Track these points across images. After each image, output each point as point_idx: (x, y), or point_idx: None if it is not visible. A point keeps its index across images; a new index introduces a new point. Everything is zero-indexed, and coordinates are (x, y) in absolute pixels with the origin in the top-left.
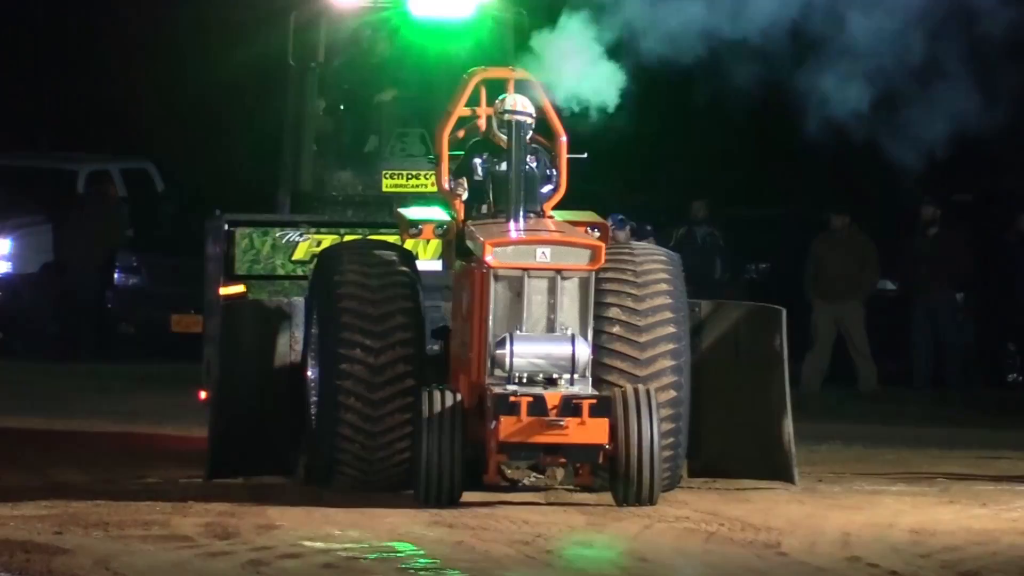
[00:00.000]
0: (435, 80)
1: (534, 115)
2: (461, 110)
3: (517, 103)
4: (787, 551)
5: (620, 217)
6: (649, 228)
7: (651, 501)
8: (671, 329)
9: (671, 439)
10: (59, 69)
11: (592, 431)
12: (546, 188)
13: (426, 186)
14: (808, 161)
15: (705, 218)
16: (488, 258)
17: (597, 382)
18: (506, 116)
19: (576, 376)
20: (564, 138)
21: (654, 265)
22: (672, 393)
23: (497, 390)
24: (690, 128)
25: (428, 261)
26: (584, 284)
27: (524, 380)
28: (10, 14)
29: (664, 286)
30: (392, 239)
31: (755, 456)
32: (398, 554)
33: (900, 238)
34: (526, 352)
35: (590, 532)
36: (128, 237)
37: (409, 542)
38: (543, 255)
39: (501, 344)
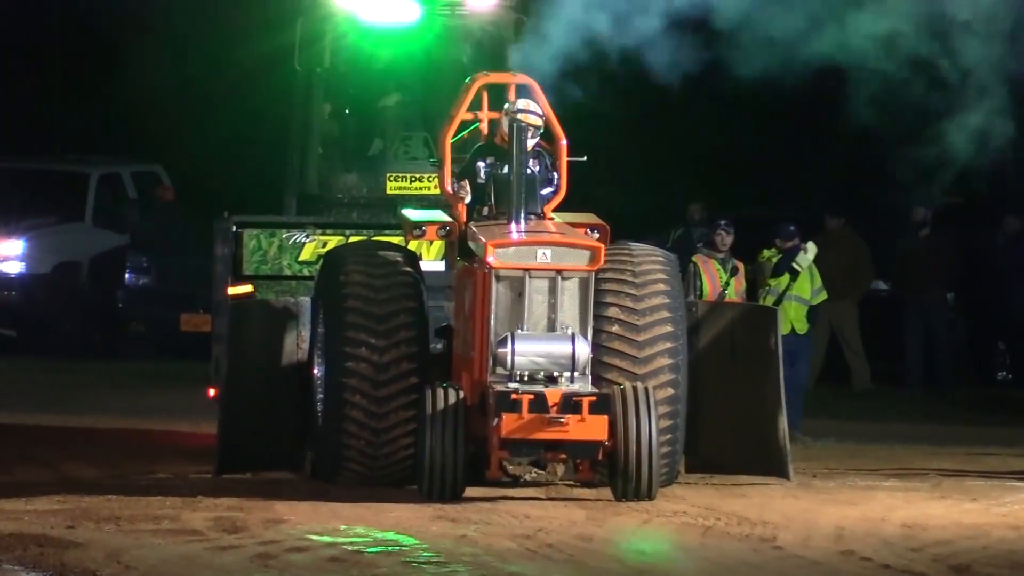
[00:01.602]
0: (438, 85)
1: (542, 116)
2: (463, 114)
3: (528, 104)
4: (782, 545)
5: (723, 222)
6: (792, 229)
7: (649, 496)
8: (669, 328)
9: (669, 436)
10: (71, 73)
11: (592, 428)
12: (546, 190)
13: (429, 189)
14: (804, 163)
15: (702, 220)
16: (490, 259)
17: (597, 380)
18: (519, 116)
19: (576, 374)
20: (564, 142)
21: (652, 266)
22: (670, 391)
23: (499, 388)
24: (689, 129)
25: (431, 262)
26: (584, 284)
27: (525, 378)
28: (24, 20)
29: (662, 286)
30: (396, 240)
31: (751, 452)
32: (402, 548)
33: (892, 239)
34: (527, 351)
35: (590, 526)
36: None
37: (413, 536)
38: (544, 256)
39: (503, 343)
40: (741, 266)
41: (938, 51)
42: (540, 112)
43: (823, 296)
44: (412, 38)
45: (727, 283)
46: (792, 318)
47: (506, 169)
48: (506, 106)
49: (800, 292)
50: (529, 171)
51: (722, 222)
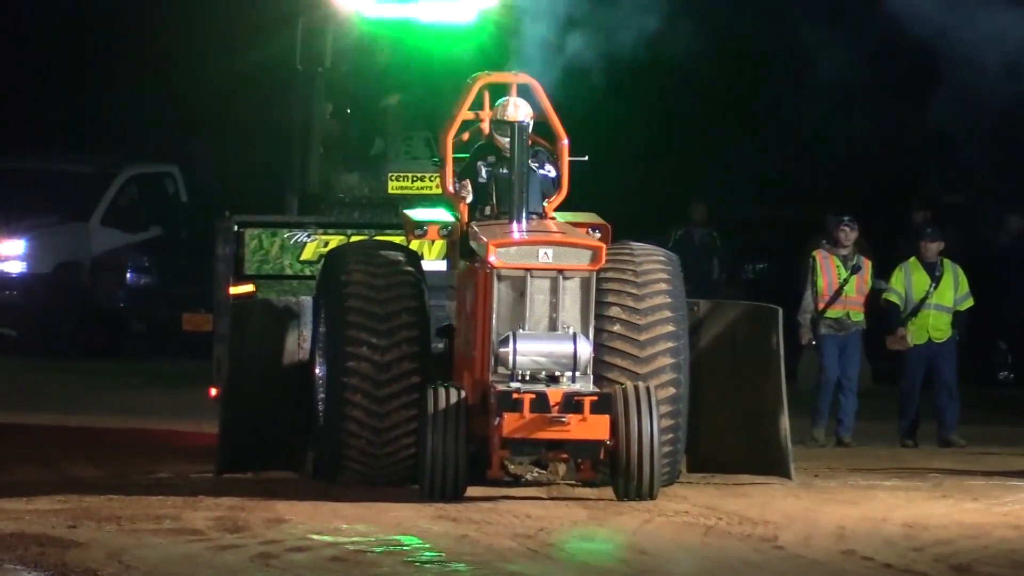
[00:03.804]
0: (439, 84)
1: (530, 117)
2: (465, 114)
3: (509, 106)
4: (783, 544)
5: (847, 218)
6: (929, 231)
7: (651, 496)
8: (670, 328)
9: (670, 435)
10: (72, 73)
11: (593, 427)
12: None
13: (431, 188)
14: (805, 163)
15: (704, 221)
16: (492, 258)
17: (598, 379)
18: (507, 117)
19: (578, 373)
20: (566, 141)
21: (653, 265)
22: (671, 390)
23: (500, 387)
24: (690, 129)
25: (433, 261)
26: (585, 284)
27: (527, 377)
28: (26, 20)
29: (663, 286)
30: (398, 240)
31: (752, 452)
32: (404, 547)
33: (894, 240)
34: (529, 350)
35: (591, 526)
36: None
37: (414, 535)
38: (545, 255)
39: (504, 342)
40: (868, 263)
41: None
42: (528, 109)
43: (969, 302)
44: (414, 37)
45: (846, 280)
46: (930, 326)
47: (506, 169)
48: (495, 108)
49: (941, 300)
50: (541, 173)
51: (845, 218)
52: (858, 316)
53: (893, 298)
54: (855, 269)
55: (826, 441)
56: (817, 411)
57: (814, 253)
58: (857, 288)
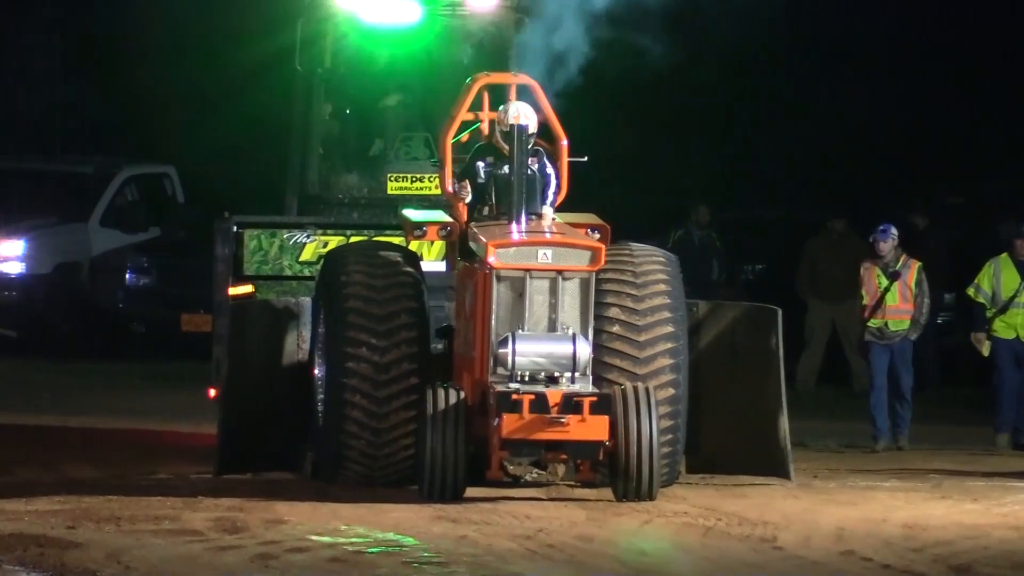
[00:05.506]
0: (439, 85)
1: (536, 123)
2: (464, 114)
3: (519, 113)
4: (783, 545)
5: (882, 227)
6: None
7: (650, 497)
8: (669, 329)
9: (670, 436)
10: (72, 72)
11: (593, 428)
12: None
13: (430, 189)
14: (804, 165)
15: (707, 222)
16: (491, 259)
17: (597, 380)
18: (510, 123)
19: (577, 374)
20: (565, 141)
21: (653, 266)
22: (671, 391)
23: (500, 388)
24: (690, 131)
25: (432, 262)
26: (585, 284)
27: (526, 378)
28: (26, 19)
29: (663, 287)
30: (397, 240)
31: (752, 452)
32: (403, 548)
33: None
34: (528, 351)
35: (590, 527)
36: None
37: (413, 536)
38: (544, 256)
39: (503, 343)
40: (913, 268)
41: None
42: (534, 116)
43: None
44: (413, 38)
45: (887, 289)
46: (1019, 325)
47: (506, 169)
48: (498, 113)
49: None
50: (529, 171)
51: (879, 228)
52: (899, 325)
53: (979, 298)
54: (894, 276)
55: (886, 448)
56: (872, 421)
57: (863, 265)
58: (900, 295)
